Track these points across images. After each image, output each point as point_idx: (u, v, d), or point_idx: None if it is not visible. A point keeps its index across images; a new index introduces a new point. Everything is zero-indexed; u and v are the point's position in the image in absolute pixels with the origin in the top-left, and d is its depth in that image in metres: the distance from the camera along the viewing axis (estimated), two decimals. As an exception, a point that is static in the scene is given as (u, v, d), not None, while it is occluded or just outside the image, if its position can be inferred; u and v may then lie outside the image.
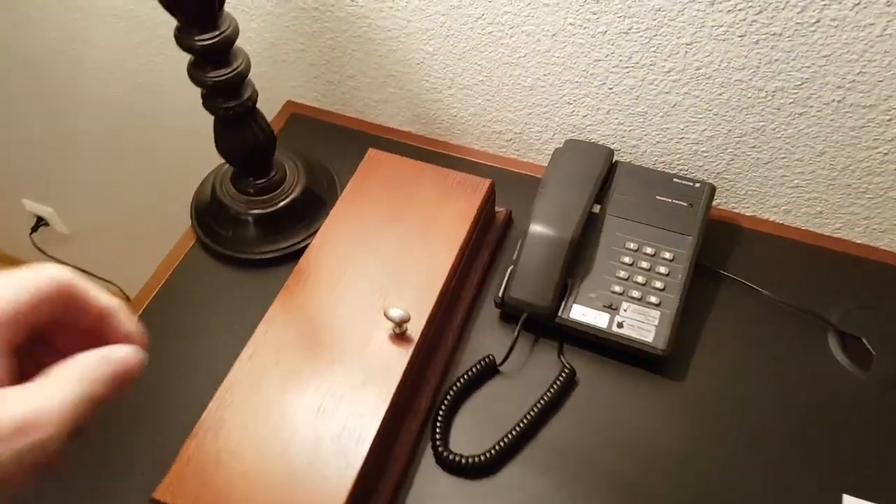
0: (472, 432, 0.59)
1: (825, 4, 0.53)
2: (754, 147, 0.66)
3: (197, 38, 0.57)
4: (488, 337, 0.65)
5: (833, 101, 0.59)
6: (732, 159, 0.68)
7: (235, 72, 0.60)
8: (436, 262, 0.62)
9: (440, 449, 0.57)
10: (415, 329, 0.58)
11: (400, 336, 0.58)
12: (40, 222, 1.52)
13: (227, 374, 0.56)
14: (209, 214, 0.74)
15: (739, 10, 0.56)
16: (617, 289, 0.62)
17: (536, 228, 0.63)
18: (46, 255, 1.59)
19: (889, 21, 0.52)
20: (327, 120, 0.85)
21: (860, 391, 0.60)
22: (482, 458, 0.56)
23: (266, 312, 0.59)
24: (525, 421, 0.58)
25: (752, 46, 0.58)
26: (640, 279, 0.62)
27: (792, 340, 0.63)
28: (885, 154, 0.61)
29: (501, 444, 0.57)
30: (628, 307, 0.61)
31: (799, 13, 0.55)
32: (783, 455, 0.57)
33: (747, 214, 0.73)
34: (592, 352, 0.63)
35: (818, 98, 0.60)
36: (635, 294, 0.61)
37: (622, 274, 0.62)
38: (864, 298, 0.65)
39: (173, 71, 0.94)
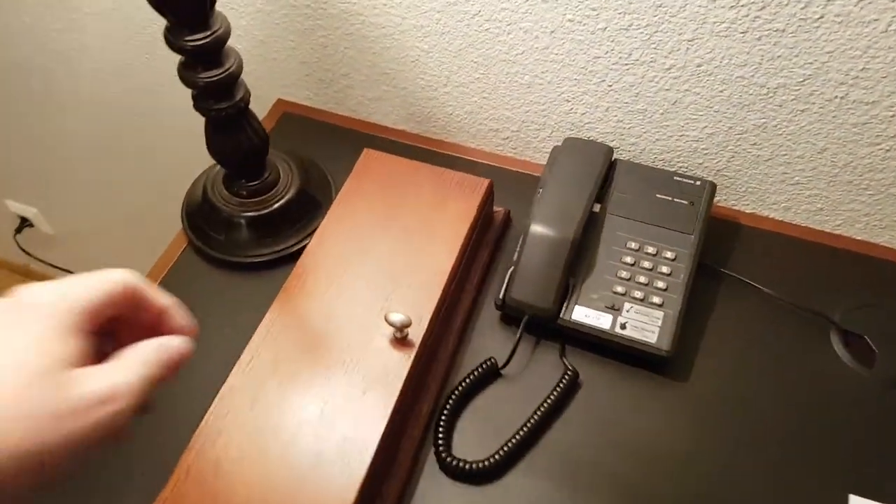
0: (475, 437, 0.58)
1: (829, 0, 0.53)
2: (755, 144, 0.65)
3: (187, 38, 0.56)
4: (489, 339, 0.64)
5: (836, 97, 0.59)
6: (733, 156, 0.67)
7: (227, 72, 0.59)
8: (435, 265, 0.61)
9: (444, 455, 0.56)
10: (416, 333, 0.57)
11: (401, 341, 0.57)
12: (24, 223, 1.50)
13: (225, 380, 0.54)
14: (201, 217, 0.72)
15: (742, 6, 0.55)
16: (619, 289, 0.61)
17: (537, 229, 0.62)
18: (31, 256, 1.57)
19: (894, 17, 0.52)
20: (319, 119, 0.84)
21: (863, 389, 0.59)
22: (486, 463, 0.55)
23: (263, 317, 0.58)
24: (529, 425, 0.57)
25: (754, 43, 0.58)
26: (642, 279, 0.61)
27: (794, 339, 0.62)
28: (888, 150, 0.61)
29: (506, 448, 0.56)
30: (631, 308, 0.60)
31: (802, 9, 0.54)
32: (787, 454, 0.56)
33: (747, 212, 0.72)
34: (594, 353, 0.62)
35: (820, 94, 0.59)
36: (638, 294, 0.61)
37: (624, 274, 0.62)
38: (865, 296, 0.64)
39: (165, 70, 0.92)
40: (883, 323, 0.62)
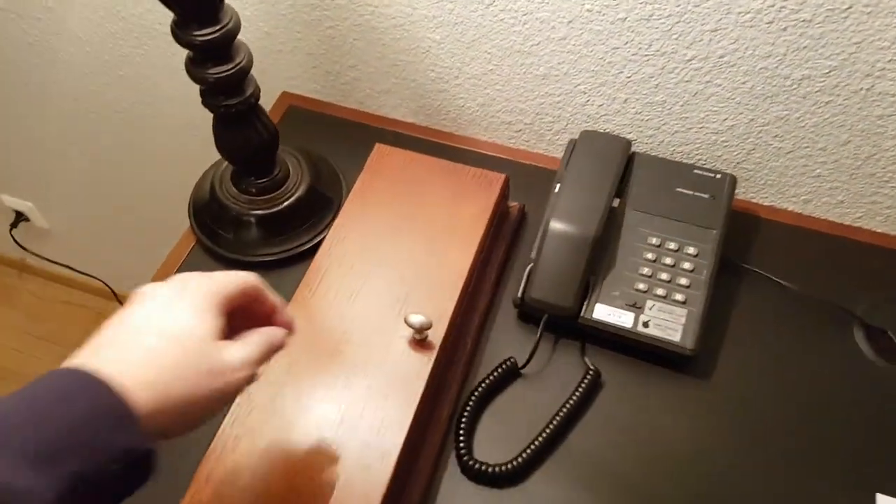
0: (496, 438, 0.57)
1: (859, -11, 0.51)
2: (777, 136, 0.64)
3: (196, 32, 0.54)
4: (507, 338, 0.63)
5: (861, 89, 0.57)
6: (753, 149, 0.66)
7: (238, 67, 0.57)
8: (453, 264, 0.59)
9: (465, 458, 0.55)
10: (435, 335, 0.55)
11: (420, 342, 0.55)
12: (20, 217, 1.47)
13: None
14: (209, 215, 0.70)
15: (768, -5, 0.54)
16: (641, 286, 0.60)
17: (556, 226, 0.60)
18: (27, 251, 1.54)
19: (926, 7, 0.51)
20: (326, 112, 0.82)
21: (888, 385, 0.59)
22: (509, 466, 0.54)
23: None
24: (551, 427, 0.56)
25: (779, 33, 0.56)
26: (664, 276, 0.60)
27: (817, 334, 0.62)
28: (913, 142, 0.60)
29: (528, 451, 0.55)
30: (653, 305, 0.59)
31: (831, -1, 0.53)
32: (813, 452, 0.56)
33: (765, 204, 0.71)
34: (615, 351, 0.61)
35: (846, 86, 0.58)
36: (660, 292, 0.59)
37: (646, 271, 0.61)
38: (888, 290, 0.63)
39: (156, 63, 0.89)
40: (906, 317, 0.62)
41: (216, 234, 0.69)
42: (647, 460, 0.56)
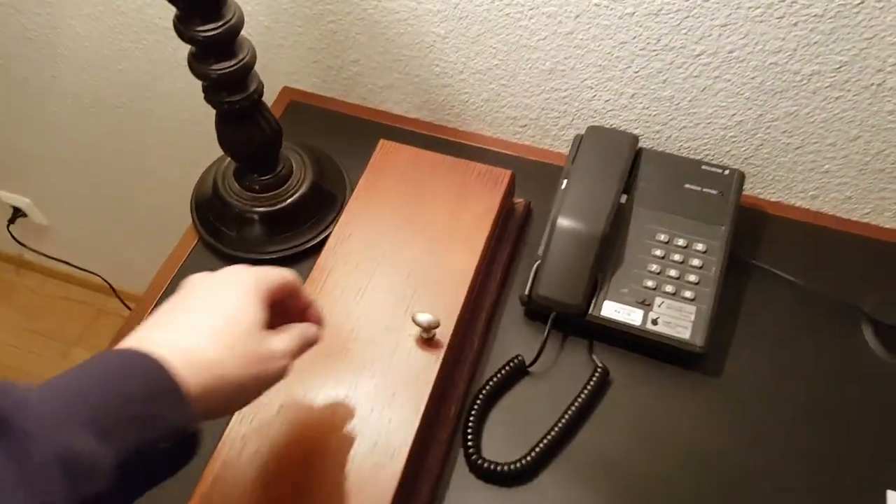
0: (504, 437, 0.57)
1: (871, -16, 0.51)
2: (785, 132, 0.64)
3: (199, 28, 0.53)
4: (514, 336, 0.62)
5: (872, 84, 0.57)
6: (761, 144, 0.66)
7: (241, 63, 0.56)
8: (459, 262, 0.59)
9: (473, 456, 0.55)
10: (442, 333, 0.55)
11: (428, 341, 0.55)
12: (18, 213, 1.46)
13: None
14: (211, 212, 0.69)
15: (779, -11, 0.53)
16: (649, 283, 0.60)
17: (564, 223, 0.60)
18: (25, 247, 1.53)
19: (939, 1, 0.50)
20: (328, 107, 0.81)
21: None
22: (518, 464, 0.54)
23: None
24: (560, 425, 0.56)
25: (790, 28, 0.55)
26: (673, 273, 0.60)
27: (825, 330, 0.61)
28: (923, 138, 0.59)
29: (537, 449, 0.55)
30: (662, 302, 0.59)
31: (843, -7, 0.52)
32: (822, 449, 0.55)
33: (772, 200, 0.71)
34: (624, 349, 0.60)
35: (856, 81, 0.57)
36: (669, 289, 0.59)
37: (654, 268, 0.60)
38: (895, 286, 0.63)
39: (156, 58, 0.88)
40: (914, 314, 0.61)
41: (219, 232, 0.69)
42: (656, 458, 0.55)
